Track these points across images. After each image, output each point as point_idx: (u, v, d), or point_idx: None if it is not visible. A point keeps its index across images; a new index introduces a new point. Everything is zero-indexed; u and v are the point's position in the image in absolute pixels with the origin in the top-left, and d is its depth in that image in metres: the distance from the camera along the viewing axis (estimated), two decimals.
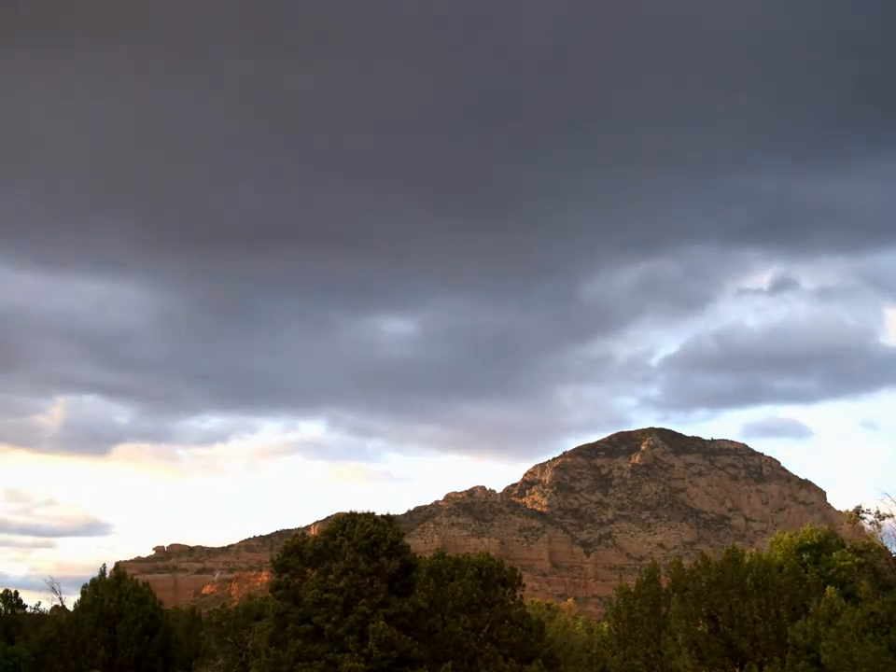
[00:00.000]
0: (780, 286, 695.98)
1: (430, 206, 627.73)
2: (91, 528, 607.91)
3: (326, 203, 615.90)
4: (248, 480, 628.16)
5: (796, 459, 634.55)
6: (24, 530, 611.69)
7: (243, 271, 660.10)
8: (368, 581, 46.09)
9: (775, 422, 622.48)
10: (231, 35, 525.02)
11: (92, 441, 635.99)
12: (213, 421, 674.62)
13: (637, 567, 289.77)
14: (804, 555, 61.27)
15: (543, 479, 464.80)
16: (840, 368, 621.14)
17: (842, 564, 58.41)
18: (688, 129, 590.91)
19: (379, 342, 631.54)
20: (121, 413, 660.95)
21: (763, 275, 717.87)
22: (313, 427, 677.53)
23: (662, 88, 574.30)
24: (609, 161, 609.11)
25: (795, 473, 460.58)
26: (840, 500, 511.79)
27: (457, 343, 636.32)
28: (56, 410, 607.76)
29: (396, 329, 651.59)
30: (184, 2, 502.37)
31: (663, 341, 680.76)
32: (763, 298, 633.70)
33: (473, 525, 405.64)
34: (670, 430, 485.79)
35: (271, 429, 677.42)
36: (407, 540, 49.64)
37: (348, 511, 48.87)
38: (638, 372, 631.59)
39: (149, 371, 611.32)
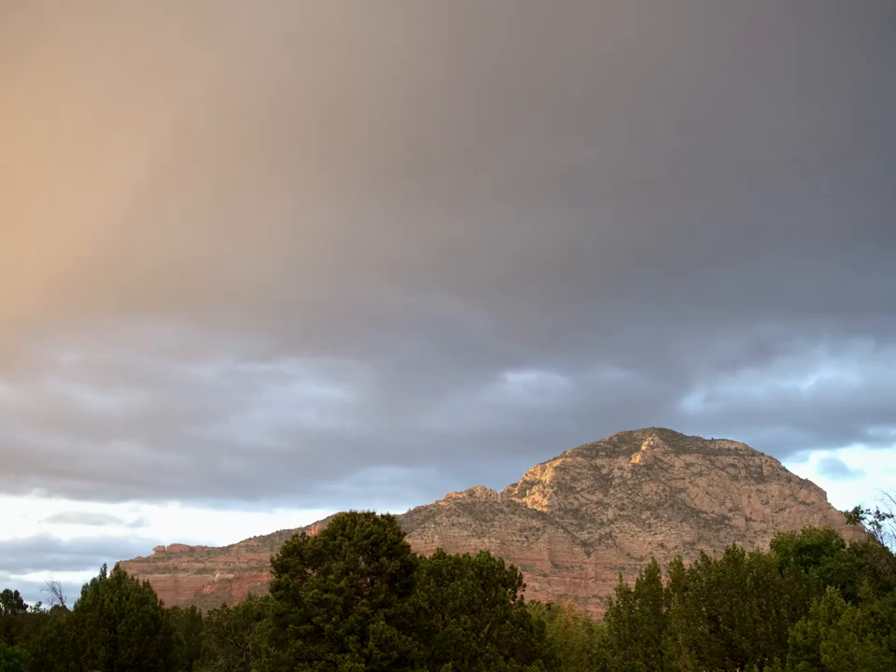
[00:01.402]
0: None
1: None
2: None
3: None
4: None
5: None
6: (128, 553, 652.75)
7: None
8: (368, 581, 46.08)
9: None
10: None
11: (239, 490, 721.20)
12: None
13: (638, 567, 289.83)
14: (804, 556, 61.27)
15: (543, 479, 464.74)
16: None
17: (842, 564, 58.40)
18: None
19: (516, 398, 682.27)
20: (281, 471, 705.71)
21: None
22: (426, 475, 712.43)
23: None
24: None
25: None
26: (840, 500, 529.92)
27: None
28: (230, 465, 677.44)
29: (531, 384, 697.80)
30: None
31: (761, 391, 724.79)
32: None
33: (473, 525, 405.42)
34: (671, 430, 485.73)
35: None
36: (407, 540, 49.55)
37: (348, 511, 48.80)
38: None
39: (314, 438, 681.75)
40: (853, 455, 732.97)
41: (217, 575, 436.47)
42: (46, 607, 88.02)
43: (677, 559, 56.28)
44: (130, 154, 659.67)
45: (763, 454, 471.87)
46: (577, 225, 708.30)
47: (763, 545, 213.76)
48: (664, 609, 52.96)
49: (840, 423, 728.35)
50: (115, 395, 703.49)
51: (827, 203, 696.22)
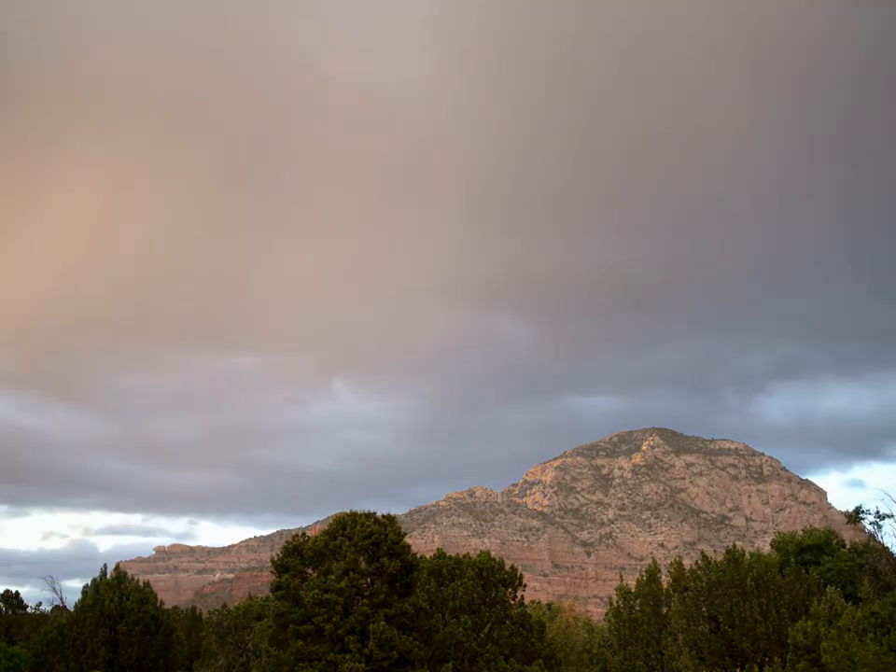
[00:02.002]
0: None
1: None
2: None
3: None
4: None
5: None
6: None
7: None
8: (368, 581, 46.09)
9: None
10: None
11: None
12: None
13: (638, 567, 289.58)
14: (804, 556, 61.29)
15: (544, 479, 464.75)
16: None
17: (842, 564, 58.42)
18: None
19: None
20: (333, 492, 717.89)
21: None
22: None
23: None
24: None
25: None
26: (840, 500, 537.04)
27: None
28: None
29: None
30: None
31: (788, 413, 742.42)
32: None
33: (474, 525, 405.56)
34: (671, 430, 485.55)
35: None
36: (407, 540, 49.56)
37: (349, 511, 48.80)
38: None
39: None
40: (873, 473, 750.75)
41: (218, 575, 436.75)
42: (46, 607, 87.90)
43: (677, 559, 56.29)
44: (181, 189, 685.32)
45: (763, 453, 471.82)
46: (624, 249, 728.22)
47: (764, 545, 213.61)
48: (664, 610, 52.96)
49: (862, 442, 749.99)
50: (174, 419, 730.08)
51: (856, 230, 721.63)
